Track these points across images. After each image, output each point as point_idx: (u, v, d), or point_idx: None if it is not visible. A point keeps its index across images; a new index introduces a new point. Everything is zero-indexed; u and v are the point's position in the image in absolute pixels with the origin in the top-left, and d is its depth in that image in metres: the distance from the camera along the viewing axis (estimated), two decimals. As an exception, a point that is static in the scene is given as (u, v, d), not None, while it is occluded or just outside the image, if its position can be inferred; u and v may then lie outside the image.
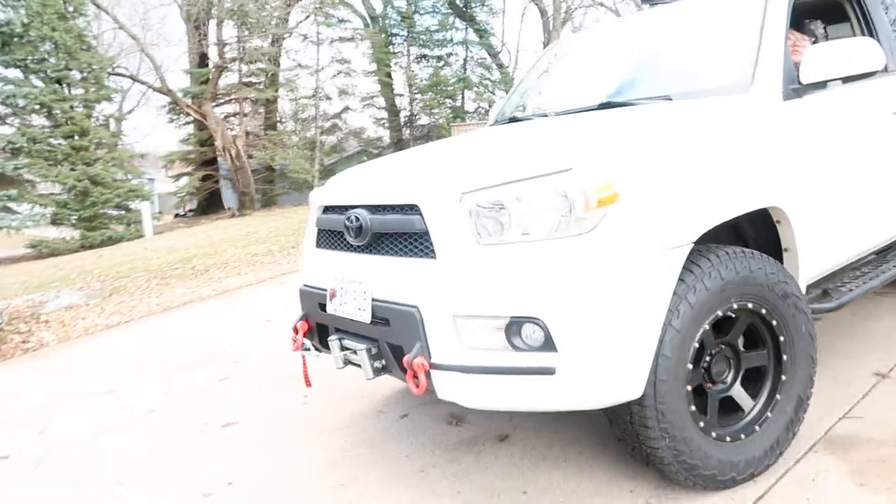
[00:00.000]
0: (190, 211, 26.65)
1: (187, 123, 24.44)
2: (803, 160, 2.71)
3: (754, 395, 2.49)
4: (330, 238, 2.86)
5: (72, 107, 18.93)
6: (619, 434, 2.40)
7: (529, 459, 2.81)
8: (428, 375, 2.23)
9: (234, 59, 22.06)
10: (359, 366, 2.54)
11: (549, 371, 2.06)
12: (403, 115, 27.57)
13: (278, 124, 25.66)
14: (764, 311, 2.40)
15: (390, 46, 26.84)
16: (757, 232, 2.76)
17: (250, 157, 22.45)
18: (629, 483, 2.51)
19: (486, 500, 2.54)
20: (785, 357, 2.47)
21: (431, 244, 2.29)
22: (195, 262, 9.79)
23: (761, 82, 2.71)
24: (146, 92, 26.79)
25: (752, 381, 2.50)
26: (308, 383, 3.09)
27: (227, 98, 23.37)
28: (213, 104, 22.07)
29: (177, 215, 26.94)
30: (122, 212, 19.45)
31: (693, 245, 2.21)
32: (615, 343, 2.07)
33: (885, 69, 3.07)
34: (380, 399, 3.71)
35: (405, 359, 2.26)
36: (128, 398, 4.39)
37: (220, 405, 3.98)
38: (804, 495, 2.28)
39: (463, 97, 27.91)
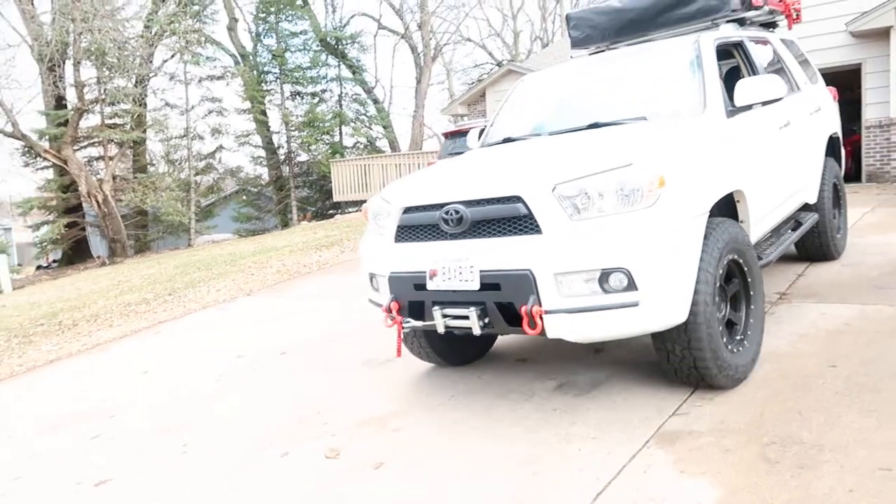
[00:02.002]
0: (54, 261, 24.93)
1: (46, 168, 22.98)
2: (747, 158, 3.88)
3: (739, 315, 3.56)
4: (416, 232, 3.56)
5: None
6: (669, 352, 3.27)
7: (408, 483, 3.01)
8: (542, 319, 3.02)
9: (94, 101, 21.06)
10: (457, 329, 3.38)
11: (634, 304, 2.95)
12: (281, 152, 27.34)
13: (149, 166, 24.66)
14: (741, 260, 3.47)
15: (263, 84, 26.67)
16: (719, 210, 3.59)
17: (119, 201, 21.41)
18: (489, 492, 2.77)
19: None
20: (752, 292, 3.57)
21: (536, 223, 3.10)
22: (62, 317, 9.28)
23: (711, 107, 3.80)
24: (-4, 137, 24.95)
25: (735, 311, 3.56)
26: (399, 354, 3.81)
27: (90, 141, 22.22)
28: (75, 148, 20.93)
29: (39, 267, 25.10)
30: (-26, 267, 17.93)
31: (708, 215, 3.23)
32: (673, 280, 2.99)
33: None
34: (260, 438, 3.79)
35: (524, 309, 3.04)
36: (-10, 467, 4.18)
37: (92, 463, 3.90)
38: (636, 486, 2.63)
39: (340, 133, 28.11)
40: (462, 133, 9.59)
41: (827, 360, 3.57)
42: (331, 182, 21.57)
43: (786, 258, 5.64)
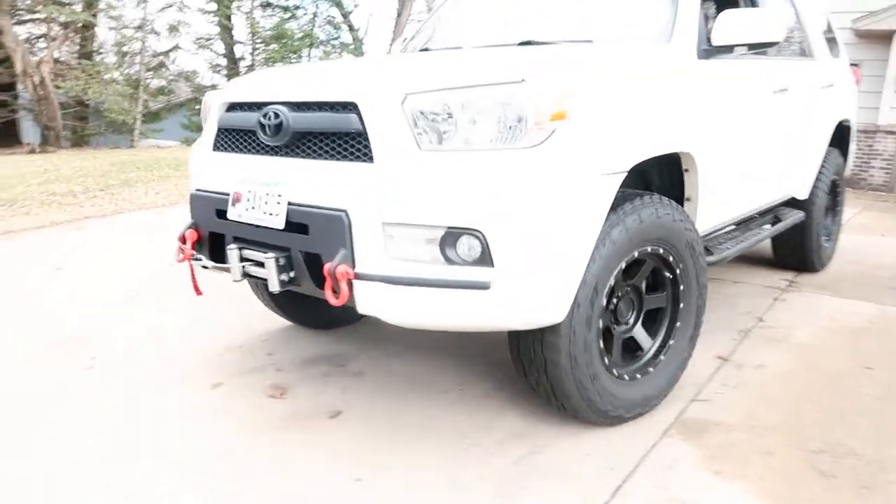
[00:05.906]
0: (-23, 142, 23.00)
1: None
2: (711, 115, 2.90)
3: (652, 336, 2.63)
4: (235, 139, 2.62)
5: None
6: (525, 363, 2.36)
7: (366, 438, 2.42)
8: (350, 286, 2.12)
9: (43, -29, 19.12)
10: (259, 279, 2.40)
11: (483, 286, 2.00)
12: (243, 64, 25.74)
13: (95, 54, 22.77)
14: (671, 258, 2.52)
15: (233, -13, 24.82)
16: (661, 181, 2.89)
17: (58, 87, 19.70)
18: (475, 472, 2.21)
19: (307, 494, 2.11)
20: (682, 304, 2.63)
21: (368, 146, 2.15)
22: (-30, 198, 8.22)
23: (679, 38, 2.81)
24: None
25: (650, 324, 2.63)
26: (198, 292, 2.89)
27: (32, 17, 20.28)
28: (13, 20, 19.04)
29: (-40, 145, 23.14)
30: None
31: (625, 175, 2.25)
32: (551, 263, 2.06)
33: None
34: (187, 363, 3.13)
35: (326, 267, 2.13)
36: None
37: (-25, 366, 3.16)
38: (662, 484, 2.11)
39: (309, 55, 26.61)
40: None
41: (858, 361, 3.12)
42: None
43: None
